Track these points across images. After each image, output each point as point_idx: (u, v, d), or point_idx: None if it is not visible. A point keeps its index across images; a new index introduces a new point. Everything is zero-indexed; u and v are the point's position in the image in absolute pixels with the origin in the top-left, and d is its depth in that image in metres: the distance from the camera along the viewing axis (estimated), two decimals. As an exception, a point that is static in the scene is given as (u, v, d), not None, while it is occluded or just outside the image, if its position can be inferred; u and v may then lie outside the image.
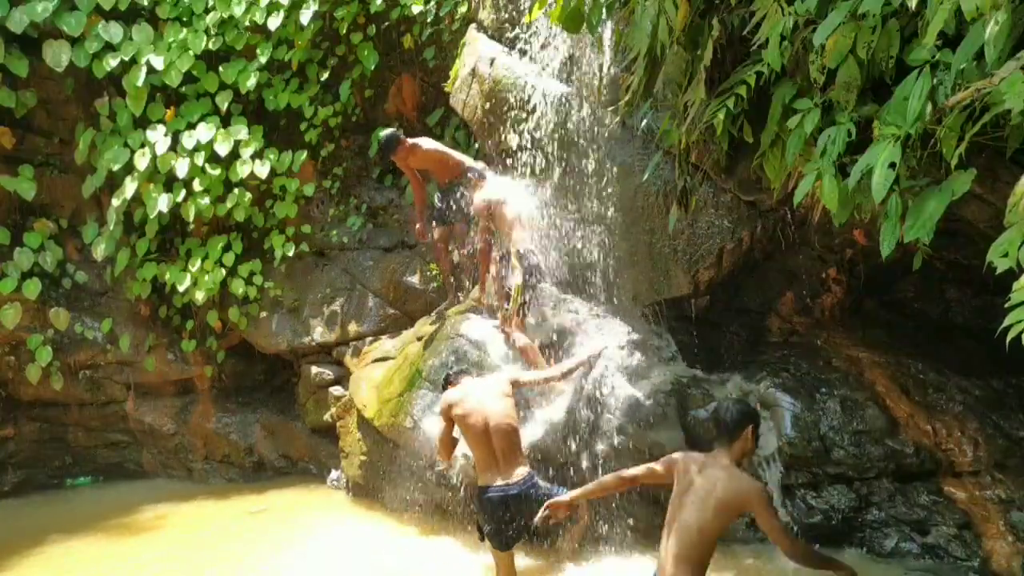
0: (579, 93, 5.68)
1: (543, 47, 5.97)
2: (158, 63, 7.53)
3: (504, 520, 4.46)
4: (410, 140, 6.53)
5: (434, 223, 6.63)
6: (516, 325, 5.51)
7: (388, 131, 6.56)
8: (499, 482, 4.46)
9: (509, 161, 6.12)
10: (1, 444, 7.78)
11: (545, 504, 3.80)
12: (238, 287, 7.55)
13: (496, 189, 5.77)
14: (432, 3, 7.06)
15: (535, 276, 5.54)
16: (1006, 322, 2.50)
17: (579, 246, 5.85)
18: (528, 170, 6.00)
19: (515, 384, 4.90)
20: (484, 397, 4.66)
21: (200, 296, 7.46)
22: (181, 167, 7.39)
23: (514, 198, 5.71)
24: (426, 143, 6.53)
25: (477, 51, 6.33)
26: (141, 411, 7.90)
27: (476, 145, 7.04)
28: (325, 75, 7.60)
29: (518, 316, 5.50)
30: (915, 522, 4.58)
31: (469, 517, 5.32)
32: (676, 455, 3.54)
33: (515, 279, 5.46)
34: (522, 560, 4.95)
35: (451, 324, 6.09)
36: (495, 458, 4.51)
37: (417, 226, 6.69)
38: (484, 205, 5.69)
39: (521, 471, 4.51)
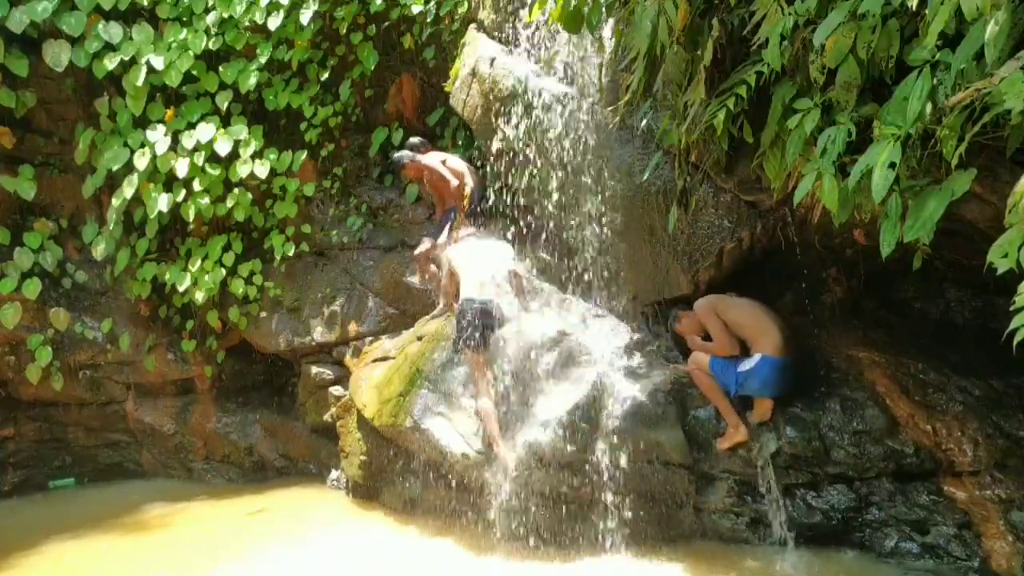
0: (579, 93, 5.68)
1: (543, 47, 5.98)
2: (158, 63, 7.52)
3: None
4: (423, 160, 6.73)
5: (427, 238, 6.88)
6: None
7: (400, 152, 6.94)
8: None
9: (509, 160, 6.13)
10: (1, 444, 7.77)
11: None
12: (238, 287, 7.55)
13: (432, 158, 6.79)
14: (432, 3, 7.06)
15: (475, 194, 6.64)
16: (1012, 325, 2.50)
17: (579, 246, 5.86)
18: (527, 169, 6.00)
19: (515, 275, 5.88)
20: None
21: (200, 296, 7.46)
22: (181, 167, 7.38)
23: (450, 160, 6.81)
24: (431, 160, 6.73)
25: (477, 51, 6.33)
26: (141, 411, 7.90)
27: (476, 145, 7.05)
28: (325, 75, 7.60)
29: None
30: (915, 522, 4.57)
31: (469, 517, 5.33)
32: None
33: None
34: (520, 558, 4.96)
35: (451, 324, 6.09)
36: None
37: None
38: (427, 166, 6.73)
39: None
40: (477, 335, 5.47)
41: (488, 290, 5.73)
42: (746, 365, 4.82)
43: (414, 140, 7.04)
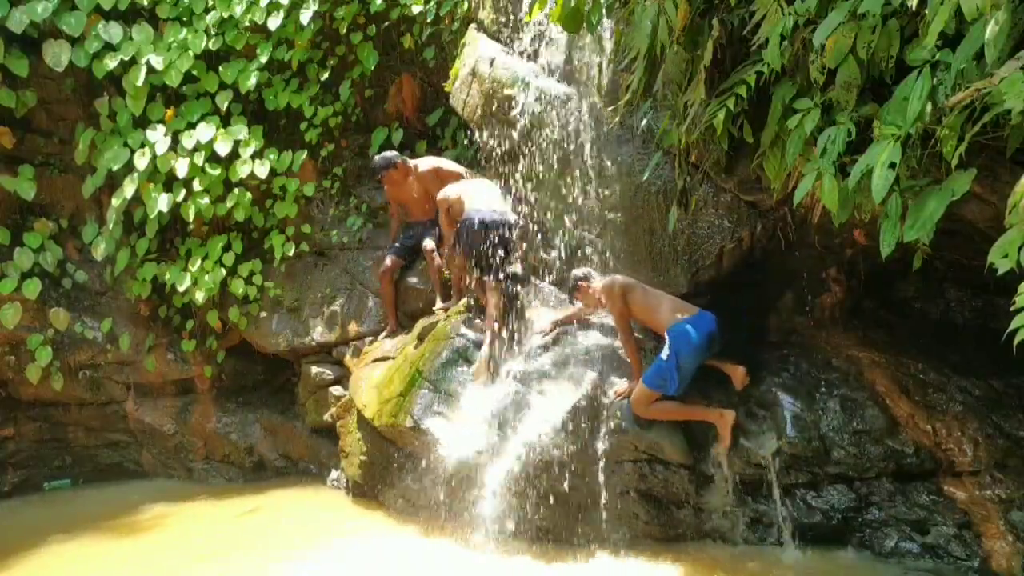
0: (579, 93, 5.69)
1: (543, 47, 5.98)
2: (158, 63, 7.53)
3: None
4: (412, 161, 6.81)
5: (390, 255, 6.97)
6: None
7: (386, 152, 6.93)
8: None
9: (508, 160, 6.13)
10: (1, 444, 7.77)
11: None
12: (238, 287, 7.54)
13: (427, 162, 6.82)
14: (432, 3, 7.07)
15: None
16: (1013, 325, 2.50)
17: (579, 246, 5.86)
18: (527, 169, 6.00)
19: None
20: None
21: (200, 296, 7.45)
22: (181, 167, 7.38)
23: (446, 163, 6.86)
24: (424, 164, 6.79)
25: (477, 51, 6.33)
26: (141, 411, 7.90)
27: (476, 145, 7.05)
28: (325, 75, 7.60)
29: None
30: (915, 522, 4.58)
31: (469, 516, 5.33)
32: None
33: None
34: (520, 558, 4.96)
35: (451, 324, 6.09)
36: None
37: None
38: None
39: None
40: (468, 246, 5.78)
41: (495, 206, 5.93)
42: (666, 348, 4.85)
43: (390, 154, 6.89)
